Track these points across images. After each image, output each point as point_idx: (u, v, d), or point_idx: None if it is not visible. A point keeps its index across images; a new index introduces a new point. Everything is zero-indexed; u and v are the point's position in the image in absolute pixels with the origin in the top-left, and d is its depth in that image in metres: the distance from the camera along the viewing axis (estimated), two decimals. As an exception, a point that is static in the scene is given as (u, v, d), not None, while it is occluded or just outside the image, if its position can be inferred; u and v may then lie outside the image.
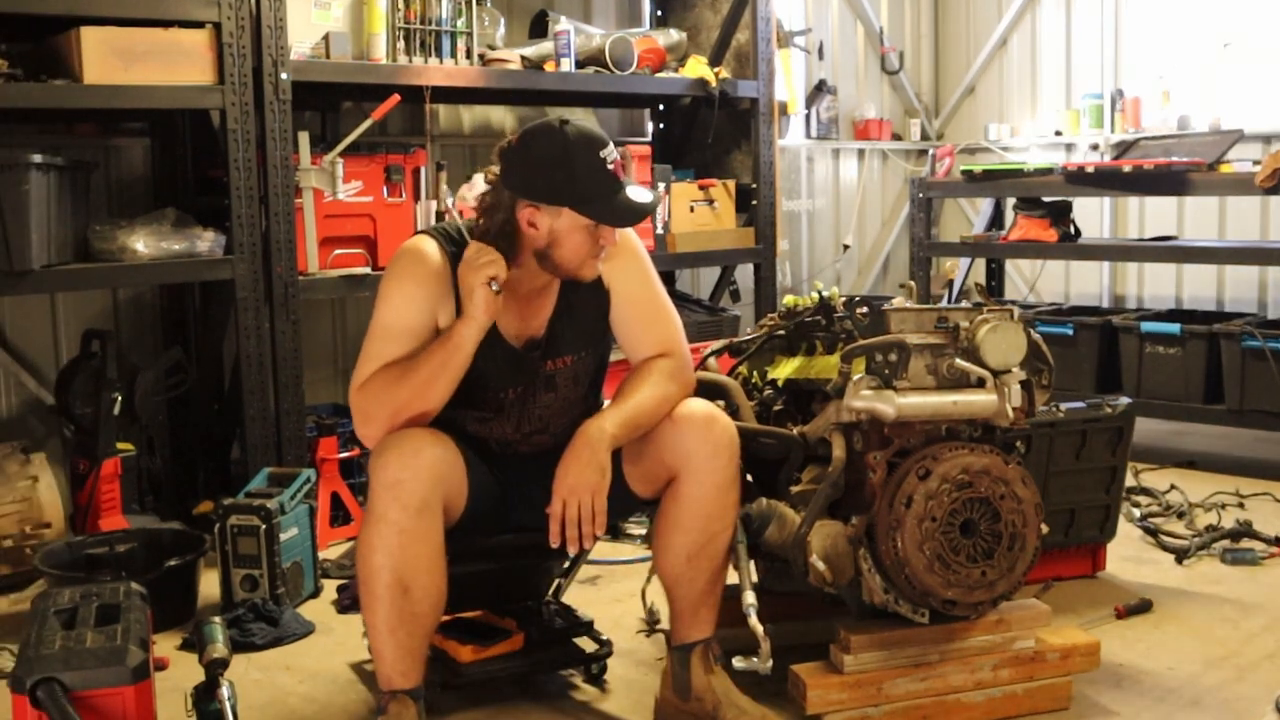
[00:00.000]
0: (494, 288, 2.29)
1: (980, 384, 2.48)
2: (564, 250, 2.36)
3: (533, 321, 2.48)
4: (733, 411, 2.67)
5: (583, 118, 5.35)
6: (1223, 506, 4.04)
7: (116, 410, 3.64)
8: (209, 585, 3.33)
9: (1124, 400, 3.39)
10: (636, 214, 2.37)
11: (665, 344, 2.50)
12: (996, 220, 5.72)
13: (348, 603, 3.29)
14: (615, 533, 3.81)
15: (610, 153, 2.34)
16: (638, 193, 2.37)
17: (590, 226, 2.34)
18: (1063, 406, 3.27)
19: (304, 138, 3.82)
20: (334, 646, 3.05)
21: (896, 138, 6.87)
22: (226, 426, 4.10)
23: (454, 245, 2.41)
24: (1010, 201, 5.53)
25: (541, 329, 2.49)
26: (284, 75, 3.73)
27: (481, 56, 4.27)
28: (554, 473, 2.37)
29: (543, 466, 2.46)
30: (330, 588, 3.43)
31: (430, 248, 2.41)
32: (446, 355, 2.31)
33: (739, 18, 5.06)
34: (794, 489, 2.60)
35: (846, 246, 6.62)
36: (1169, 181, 4.73)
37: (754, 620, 2.34)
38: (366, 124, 3.95)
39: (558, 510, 2.30)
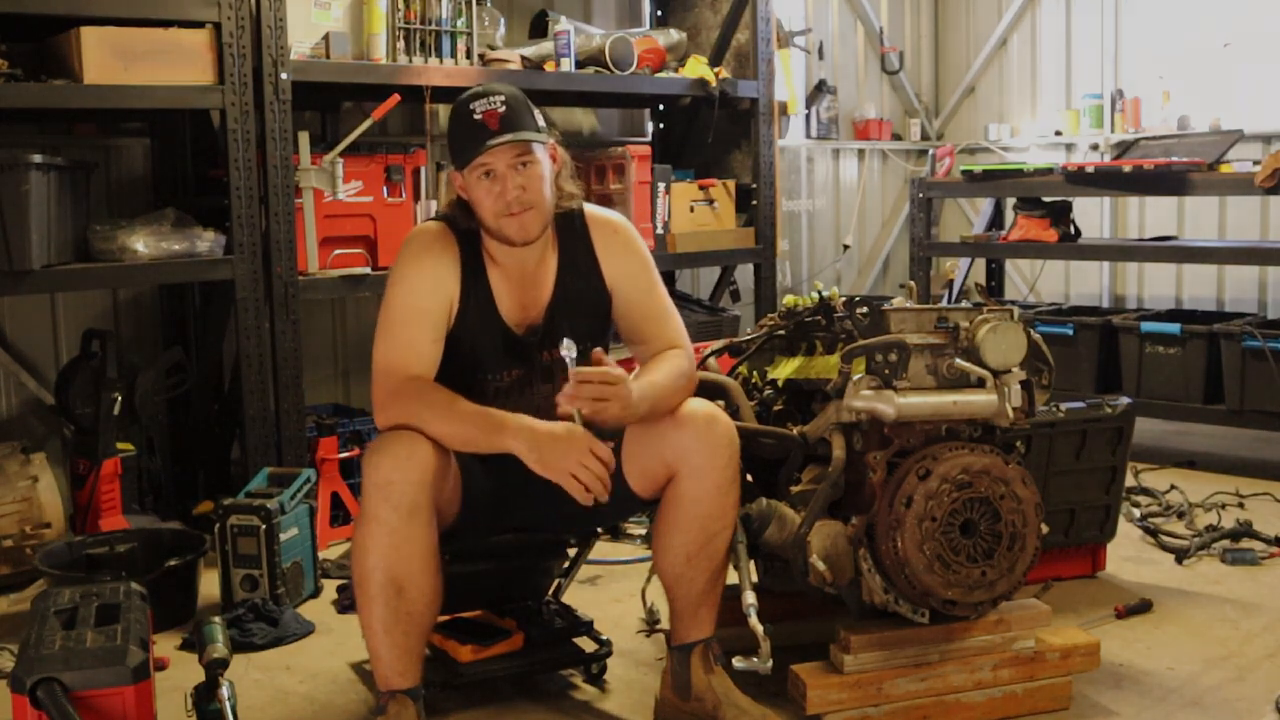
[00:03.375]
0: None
1: (980, 384, 2.48)
2: (478, 209, 2.42)
3: (531, 308, 2.51)
4: (733, 411, 2.67)
5: (581, 116, 5.40)
6: (1223, 506, 4.04)
7: (116, 410, 3.64)
8: (209, 585, 3.33)
9: (1124, 400, 3.39)
10: (473, 153, 2.36)
11: (672, 343, 2.53)
12: (996, 220, 5.72)
13: (348, 603, 3.29)
14: (615, 533, 3.80)
15: (483, 104, 2.38)
16: (498, 139, 2.36)
17: (481, 178, 2.39)
18: (1063, 406, 3.27)
19: (304, 138, 3.82)
20: (334, 646, 3.05)
21: (896, 138, 6.87)
22: (226, 426, 4.10)
23: (458, 228, 2.48)
24: (1010, 201, 5.52)
25: (540, 317, 2.51)
26: (284, 75, 3.73)
27: (481, 56, 4.27)
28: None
29: None
30: (330, 588, 3.43)
31: (439, 230, 2.48)
32: (481, 434, 2.28)
33: (739, 18, 5.06)
34: (794, 489, 2.60)
35: (846, 246, 6.62)
36: (1169, 181, 4.73)
37: (754, 620, 2.35)
38: (366, 124, 3.95)
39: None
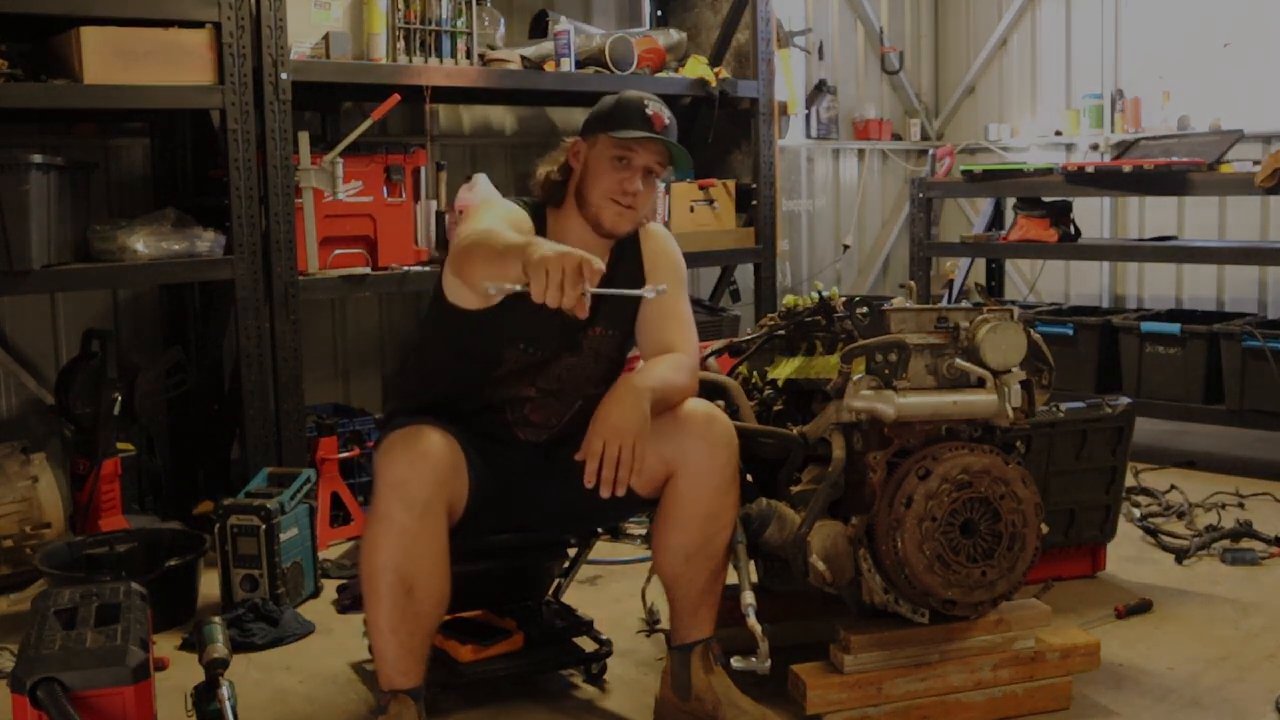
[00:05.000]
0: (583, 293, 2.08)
1: (980, 384, 2.48)
2: (589, 180, 2.48)
3: None
4: (733, 411, 2.67)
5: (581, 116, 5.39)
6: (1223, 506, 4.04)
7: (116, 410, 3.64)
8: (209, 585, 3.33)
9: (1124, 400, 3.39)
10: (637, 128, 2.44)
11: (675, 346, 2.55)
12: (996, 220, 5.72)
13: (348, 603, 3.29)
14: (615, 533, 3.80)
15: (656, 106, 2.50)
16: (662, 138, 2.46)
17: (614, 159, 2.46)
18: (1063, 406, 3.27)
19: (304, 138, 3.82)
20: (334, 646, 3.05)
21: (896, 138, 6.87)
22: (226, 426, 4.10)
23: (528, 207, 2.55)
24: (1010, 201, 5.53)
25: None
26: (284, 75, 3.73)
27: (481, 56, 4.27)
28: (557, 470, 2.42)
29: (546, 463, 2.51)
30: (330, 588, 3.43)
31: (513, 202, 2.56)
32: (512, 265, 2.12)
33: (739, 18, 5.06)
34: (794, 489, 2.60)
35: (846, 246, 6.62)
36: (1169, 181, 4.73)
37: (752, 620, 2.35)
38: (366, 124, 3.95)
39: (597, 449, 2.27)
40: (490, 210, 2.48)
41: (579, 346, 2.55)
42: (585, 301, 2.03)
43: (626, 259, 2.59)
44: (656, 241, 2.65)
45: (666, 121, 2.49)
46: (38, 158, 3.31)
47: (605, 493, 2.27)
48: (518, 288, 2.05)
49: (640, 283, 2.58)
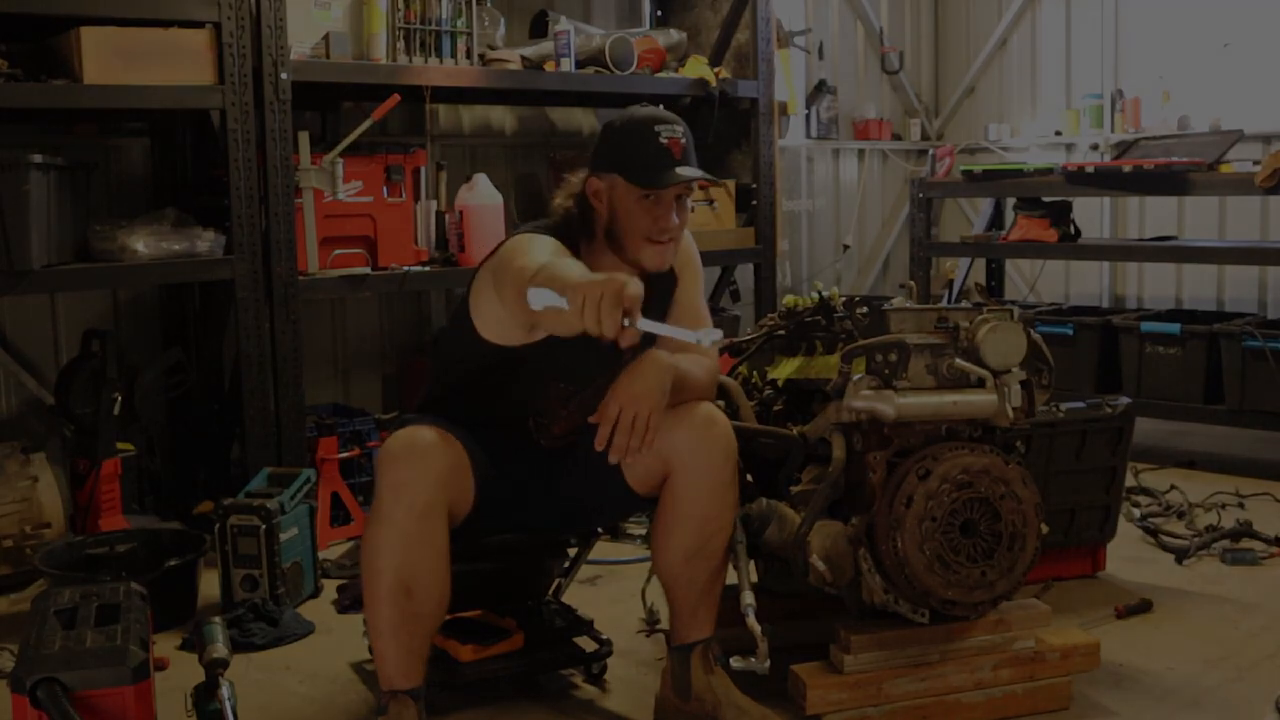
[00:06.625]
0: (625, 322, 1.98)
1: (980, 384, 2.48)
2: (621, 224, 2.38)
3: None
4: (733, 411, 2.67)
5: (581, 116, 5.40)
6: (1223, 506, 4.04)
7: (116, 410, 3.64)
8: (209, 585, 3.33)
9: (1124, 400, 3.39)
10: (665, 179, 2.35)
11: (699, 350, 2.52)
12: (996, 220, 5.72)
13: (348, 603, 3.29)
14: (615, 533, 3.81)
15: (669, 130, 2.37)
16: (687, 170, 2.37)
17: (642, 198, 2.37)
18: (1063, 406, 3.27)
19: (304, 138, 3.82)
20: (334, 646, 3.05)
21: (896, 138, 6.87)
22: (226, 426, 4.10)
23: (564, 240, 2.39)
24: (1010, 201, 5.53)
25: None
26: (284, 75, 3.73)
27: (481, 56, 4.27)
28: (561, 467, 2.45)
29: (552, 460, 2.52)
30: (330, 588, 3.43)
31: (548, 237, 2.38)
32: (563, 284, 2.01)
33: (739, 18, 5.05)
34: (794, 489, 2.60)
35: (846, 246, 6.62)
36: (1169, 181, 4.73)
37: (752, 620, 2.34)
38: (366, 124, 3.95)
39: (612, 414, 2.25)
40: (541, 244, 2.30)
41: (615, 370, 2.54)
42: (631, 333, 1.94)
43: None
44: (683, 245, 2.59)
45: (683, 142, 2.38)
46: (38, 158, 3.31)
47: (614, 458, 2.25)
48: (563, 305, 1.95)
49: (672, 289, 2.55)
